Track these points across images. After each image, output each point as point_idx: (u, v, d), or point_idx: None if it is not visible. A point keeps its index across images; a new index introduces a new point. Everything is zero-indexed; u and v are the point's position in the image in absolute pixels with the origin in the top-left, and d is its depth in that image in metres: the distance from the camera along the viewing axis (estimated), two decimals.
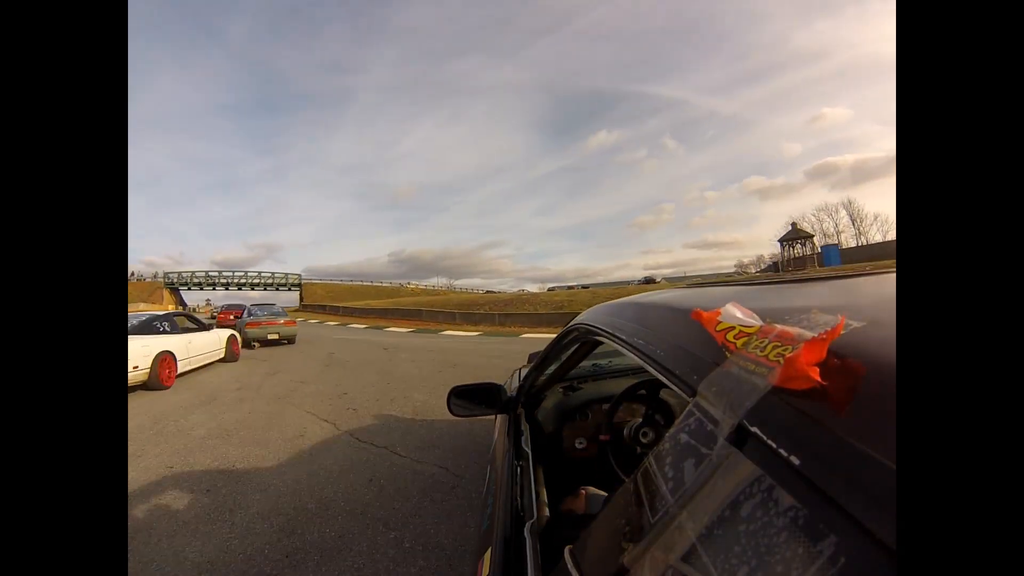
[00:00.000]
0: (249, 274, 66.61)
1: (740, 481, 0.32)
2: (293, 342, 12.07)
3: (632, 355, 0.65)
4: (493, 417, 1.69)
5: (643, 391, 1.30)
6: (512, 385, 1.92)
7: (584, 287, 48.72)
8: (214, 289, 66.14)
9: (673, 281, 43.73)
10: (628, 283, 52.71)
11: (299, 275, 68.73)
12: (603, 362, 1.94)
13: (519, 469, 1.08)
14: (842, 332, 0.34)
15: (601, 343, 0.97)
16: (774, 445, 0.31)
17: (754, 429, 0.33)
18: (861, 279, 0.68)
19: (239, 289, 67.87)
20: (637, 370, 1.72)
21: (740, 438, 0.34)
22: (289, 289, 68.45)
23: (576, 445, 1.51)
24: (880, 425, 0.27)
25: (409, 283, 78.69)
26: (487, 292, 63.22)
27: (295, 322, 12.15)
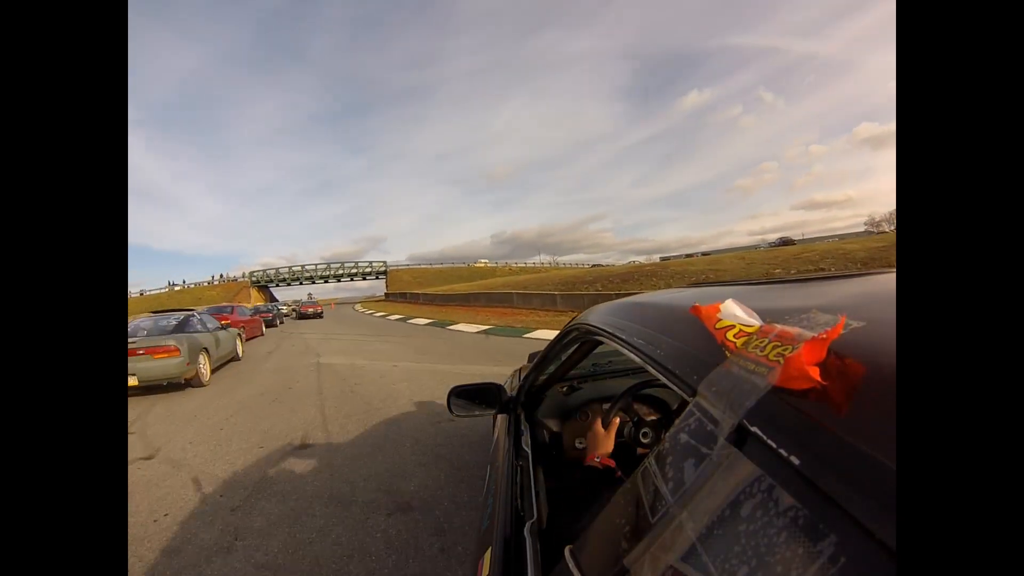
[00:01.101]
0: (332, 266, 64.97)
1: (740, 481, 0.32)
2: (200, 384, 6.27)
3: (632, 355, 0.65)
4: (492, 417, 1.69)
5: (643, 391, 1.30)
6: (512, 385, 1.92)
7: (704, 254, 40.72)
8: (300, 284, 64.44)
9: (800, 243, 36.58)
10: (756, 247, 45.02)
11: (383, 262, 66.60)
12: (603, 362, 1.94)
13: (519, 469, 1.08)
14: (842, 332, 0.34)
15: (601, 343, 0.97)
16: (774, 445, 0.31)
17: (754, 429, 0.33)
18: (861, 279, 0.68)
19: (325, 282, 66.20)
20: (637, 370, 1.71)
21: (740, 438, 0.34)
22: (376, 277, 66.67)
23: (576, 445, 1.50)
24: (880, 425, 0.27)
25: (478, 261, 73.12)
26: (594, 266, 56.98)
27: (178, 350, 5.83)
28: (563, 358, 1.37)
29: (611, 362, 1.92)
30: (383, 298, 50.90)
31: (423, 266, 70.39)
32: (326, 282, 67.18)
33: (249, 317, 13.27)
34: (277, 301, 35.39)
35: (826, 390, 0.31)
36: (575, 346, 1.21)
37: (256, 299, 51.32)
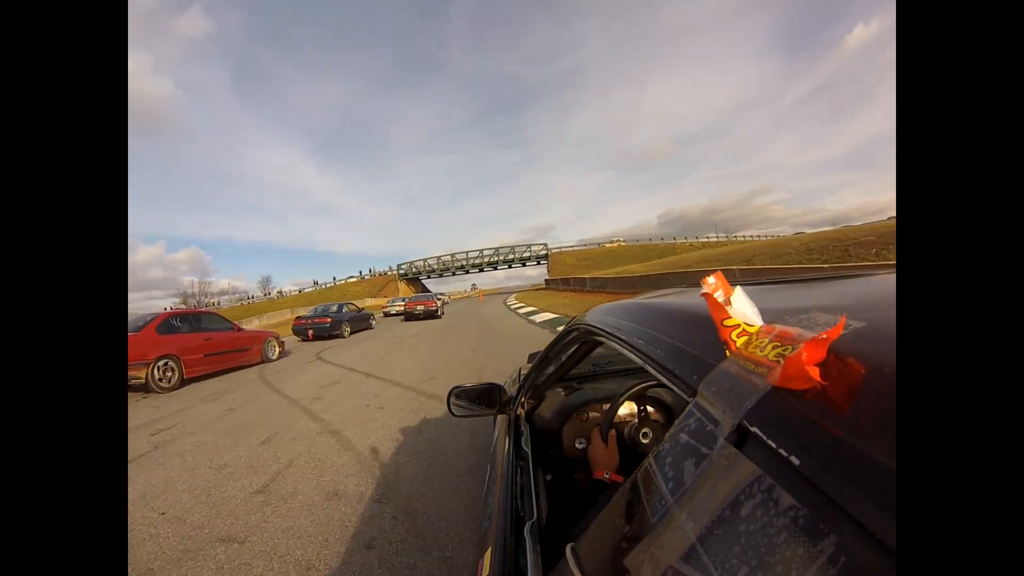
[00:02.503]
0: (485, 252, 58.29)
1: (740, 481, 0.32)
2: None
3: (632, 355, 0.64)
4: (492, 417, 1.69)
5: (643, 391, 1.30)
6: (512, 385, 1.92)
7: None
8: (453, 274, 59.64)
9: None
10: None
11: (544, 245, 59.05)
12: (603, 362, 1.94)
13: (519, 469, 1.08)
14: (842, 332, 0.34)
15: (601, 343, 0.97)
16: (774, 445, 0.31)
17: (754, 429, 0.33)
18: (861, 279, 0.68)
19: (480, 271, 60.82)
20: (637, 370, 1.72)
21: (740, 438, 0.34)
22: (537, 263, 60.40)
23: (576, 445, 1.51)
24: (880, 425, 0.27)
25: (613, 240, 61.45)
26: (797, 234, 43.31)
27: None
28: (563, 358, 1.37)
29: (611, 362, 1.92)
30: (543, 285, 43.78)
31: (589, 247, 61.32)
32: (480, 271, 61.19)
33: (234, 333, 7.58)
34: (429, 292, 32.95)
35: (826, 390, 0.31)
36: (575, 346, 1.21)
37: (404, 292, 48.37)
